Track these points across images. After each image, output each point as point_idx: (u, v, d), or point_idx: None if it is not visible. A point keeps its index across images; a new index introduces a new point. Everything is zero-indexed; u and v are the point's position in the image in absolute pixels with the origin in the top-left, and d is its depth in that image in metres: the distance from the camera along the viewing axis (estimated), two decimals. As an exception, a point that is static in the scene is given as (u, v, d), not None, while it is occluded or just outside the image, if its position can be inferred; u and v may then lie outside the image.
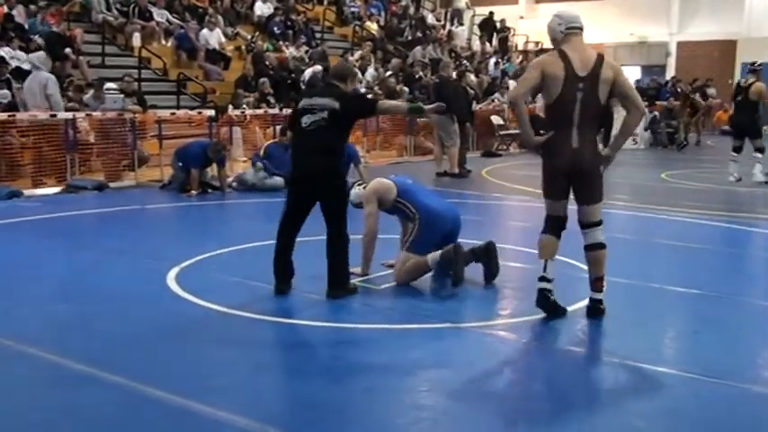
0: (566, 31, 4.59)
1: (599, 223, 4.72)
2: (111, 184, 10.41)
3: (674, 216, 8.69)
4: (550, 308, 4.67)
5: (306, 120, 5.16)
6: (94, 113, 10.64)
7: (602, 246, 4.73)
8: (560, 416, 3.45)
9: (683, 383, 3.82)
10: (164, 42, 15.67)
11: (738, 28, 24.89)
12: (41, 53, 11.82)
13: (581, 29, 4.65)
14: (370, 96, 5.48)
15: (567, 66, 4.48)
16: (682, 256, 6.82)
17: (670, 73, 25.59)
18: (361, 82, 16.49)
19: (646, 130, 18.21)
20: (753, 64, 11.89)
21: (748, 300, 5.38)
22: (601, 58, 4.58)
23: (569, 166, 4.57)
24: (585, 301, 5.09)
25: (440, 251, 5.36)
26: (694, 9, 26.55)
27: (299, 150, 5.30)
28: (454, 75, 13.75)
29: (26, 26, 13.50)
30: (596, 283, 4.73)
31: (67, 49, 12.71)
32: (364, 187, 5.80)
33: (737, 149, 11.56)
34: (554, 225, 4.70)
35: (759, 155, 11.44)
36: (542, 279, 4.66)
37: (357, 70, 6.28)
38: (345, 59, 17.29)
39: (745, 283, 6.04)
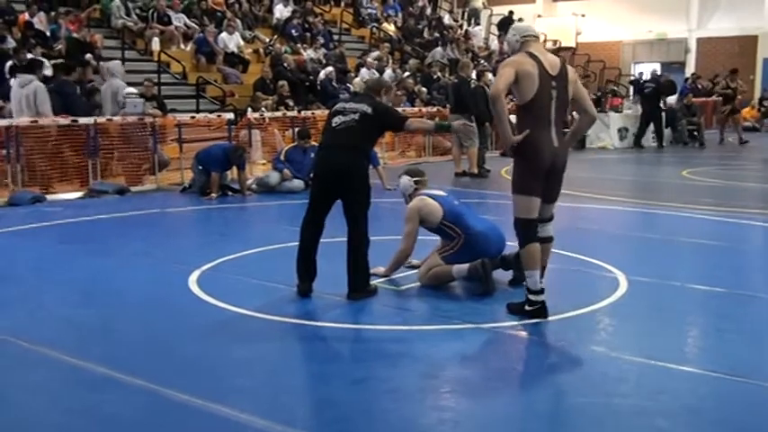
0: (522, 39, 4.71)
1: (552, 218, 4.93)
2: (133, 188, 10.49)
3: (696, 214, 8.61)
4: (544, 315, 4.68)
5: (337, 120, 5.28)
6: (115, 118, 10.72)
7: (552, 238, 4.95)
8: (583, 415, 3.43)
9: (706, 383, 3.79)
10: (183, 47, 15.76)
11: (759, 23, 24.62)
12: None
13: (536, 37, 4.79)
14: (401, 113, 5.64)
15: (539, 65, 4.57)
16: (704, 255, 6.76)
17: (690, 70, 25.38)
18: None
19: (666, 127, 18.02)
20: None
21: (772, 298, 5.32)
22: (563, 60, 4.80)
23: (550, 164, 4.67)
24: (607, 301, 5.08)
25: (467, 265, 5.29)
26: (714, 4, 26.29)
27: (325, 147, 5.38)
28: (473, 75, 13.72)
29: (47, 33, 13.64)
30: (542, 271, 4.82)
31: (88, 55, 12.82)
32: (411, 195, 5.76)
33: None
34: (535, 229, 4.71)
35: None
36: (540, 292, 4.64)
37: (392, 85, 6.50)
38: (364, 61, 17.34)
39: (765, 281, 5.98)
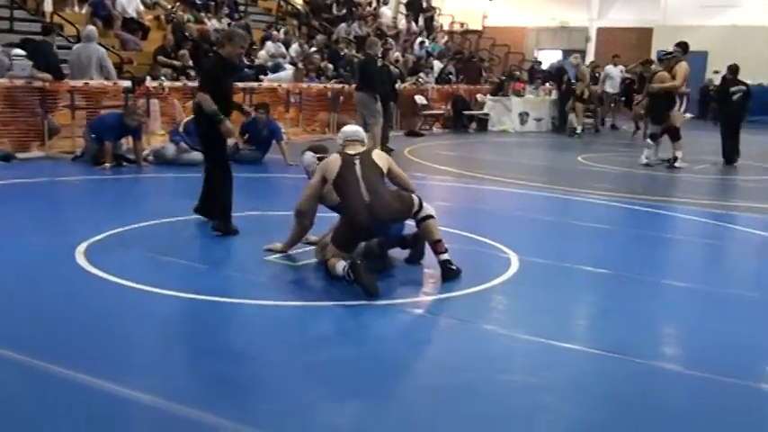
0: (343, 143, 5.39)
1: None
2: (19, 155, 9.99)
3: (588, 198, 8.90)
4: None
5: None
6: (1, 80, 10.16)
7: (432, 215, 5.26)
8: (468, 391, 3.49)
9: (588, 359, 3.93)
10: (77, 9, 15.06)
11: (655, 16, 25.59)
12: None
13: (359, 141, 5.41)
14: (212, 76, 6.28)
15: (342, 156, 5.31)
16: (593, 237, 6.99)
17: (590, 58, 26.13)
18: (285, 57, 16.27)
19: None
20: (666, 53, 12.18)
21: (652, 279, 5.55)
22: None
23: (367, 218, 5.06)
24: (499, 280, 5.19)
25: (343, 265, 4.84)
26: (614, -4, 27.23)
27: None
28: (380, 53, 13.70)
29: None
30: (437, 245, 5.17)
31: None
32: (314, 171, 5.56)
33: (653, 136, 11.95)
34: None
35: (650, 141, 11.85)
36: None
37: (241, 33, 6.54)
38: (270, 34, 17.04)
39: (649, 263, 6.23)
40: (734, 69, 12.69)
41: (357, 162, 5.17)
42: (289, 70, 15.05)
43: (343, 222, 5.16)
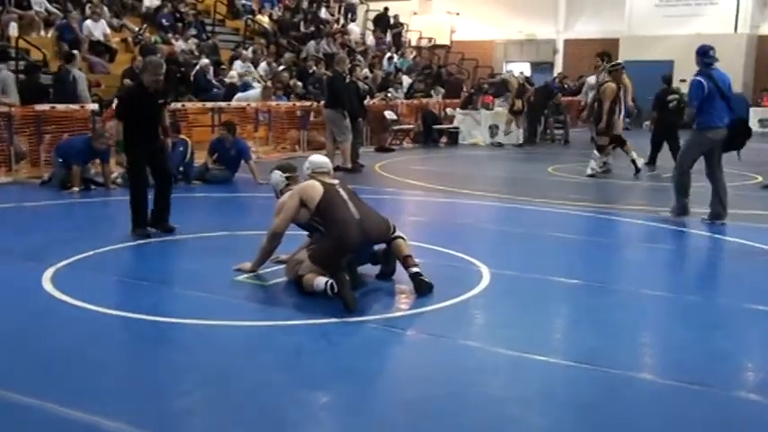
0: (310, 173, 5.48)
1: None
2: (-15, 181, 9.88)
3: (559, 209, 8.96)
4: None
5: None
6: (-35, 105, 10.04)
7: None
8: (440, 404, 3.48)
9: (559, 370, 3.94)
10: (43, 33, 14.95)
11: (620, 26, 25.91)
12: None
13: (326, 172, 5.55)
14: (122, 105, 7.25)
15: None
16: (564, 248, 7.03)
17: (557, 69, 26.40)
18: (250, 75, 16.25)
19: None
20: (614, 65, 12.43)
21: (624, 288, 5.60)
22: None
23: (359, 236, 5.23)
24: (470, 293, 5.20)
25: (326, 280, 4.89)
26: (580, 8, 27.48)
27: None
28: (347, 70, 13.73)
29: None
30: (407, 260, 5.23)
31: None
32: (282, 190, 5.69)
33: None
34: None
35: (596, 152, 12.02)
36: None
37: (156, 61, 7.10)
38: (239, 53, 17.05)
39: (621, 273, 6.28)
40: (668, 79, 13.23)
41: (339, 188, 5.33)
42: (257, 89, 15.04)
43: (329, 241, 5.13)
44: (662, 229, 7.83)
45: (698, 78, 7.84)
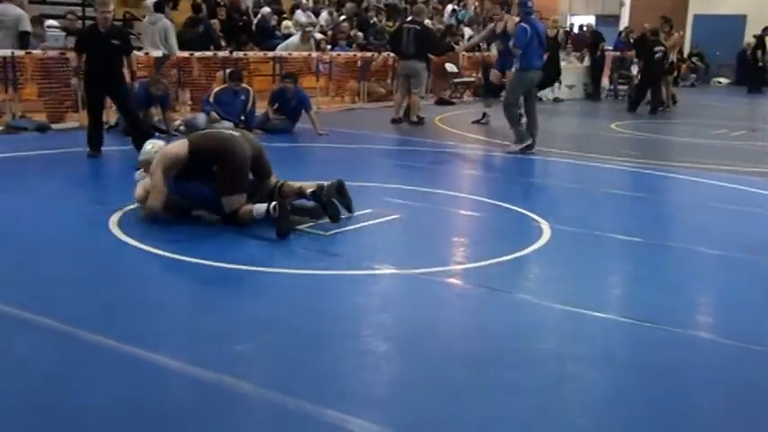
0: None
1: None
2: (54, 126, 10.11)
3: (621, 166, 8.79)
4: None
5: None
6: (35, 51, 10.26)
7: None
8: (497, 358, 3.49)
9: (619, 328, 3.91)
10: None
11: (691, -21, 25.00)
12: None
13: None
14: (78, 42, 8.38)
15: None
16: (626, 205, 6.91)
17: (624, 23, 25.64)
18: (315, 26, 16.18)
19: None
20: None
21: (686, 246, 5.48)
22: None
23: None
24: (530, 249, 5.16)
25: (266, 205, 5.24)
26: (649, -41, 26.56)
27: None
28: (427, 21, 13.49)
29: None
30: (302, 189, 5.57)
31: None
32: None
33: None
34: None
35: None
36: None
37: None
38: (299, 2, 16.96)
39: (682, 231, 6.15)
40: (655, 32, 14.91)
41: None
42: (295, 36, 14.79)
43: (224, 166, 5.36)
44: (732, 189, 7.62)
45: (522, 25, 8.95)
